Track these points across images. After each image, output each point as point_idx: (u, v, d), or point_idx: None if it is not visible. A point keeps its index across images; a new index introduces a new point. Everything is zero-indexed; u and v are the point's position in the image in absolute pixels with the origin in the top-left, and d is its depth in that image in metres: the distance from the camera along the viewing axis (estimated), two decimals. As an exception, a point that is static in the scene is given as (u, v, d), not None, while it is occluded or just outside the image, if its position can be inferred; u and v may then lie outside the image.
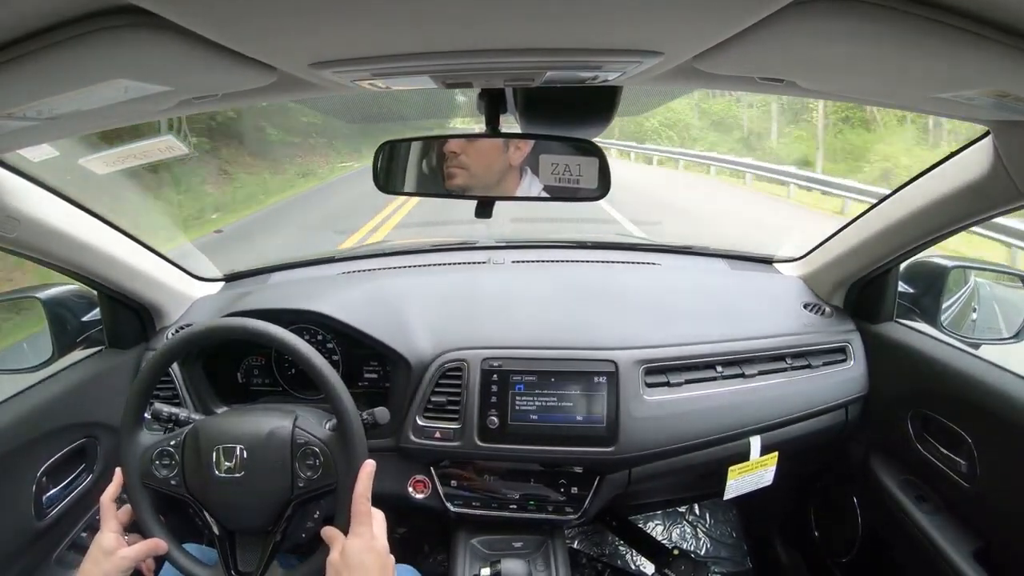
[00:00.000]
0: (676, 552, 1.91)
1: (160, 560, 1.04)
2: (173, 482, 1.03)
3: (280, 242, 7.09)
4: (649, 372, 1.30)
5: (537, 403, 1.26)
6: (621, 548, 2.05)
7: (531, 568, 1.24)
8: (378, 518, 0.97)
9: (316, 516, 1.11)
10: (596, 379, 1.26)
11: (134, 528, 1.03)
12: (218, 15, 0.44)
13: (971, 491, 1.18)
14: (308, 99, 0.87)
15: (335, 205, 9.81)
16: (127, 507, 1.03)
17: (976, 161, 1.00)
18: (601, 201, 0.95)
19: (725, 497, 1.41)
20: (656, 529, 2.12)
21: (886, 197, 1.29)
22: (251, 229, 7.99)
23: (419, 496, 1.34)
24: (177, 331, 1.46)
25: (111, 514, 1.00)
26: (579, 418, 1.26)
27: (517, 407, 1.27)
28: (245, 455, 1.00)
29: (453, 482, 1.34)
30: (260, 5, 0.43)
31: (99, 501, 1.01)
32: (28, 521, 1.17)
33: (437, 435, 1.28)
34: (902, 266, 1.37)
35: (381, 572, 0.92)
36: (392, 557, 0.95)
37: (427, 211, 6.93)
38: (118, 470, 1.04)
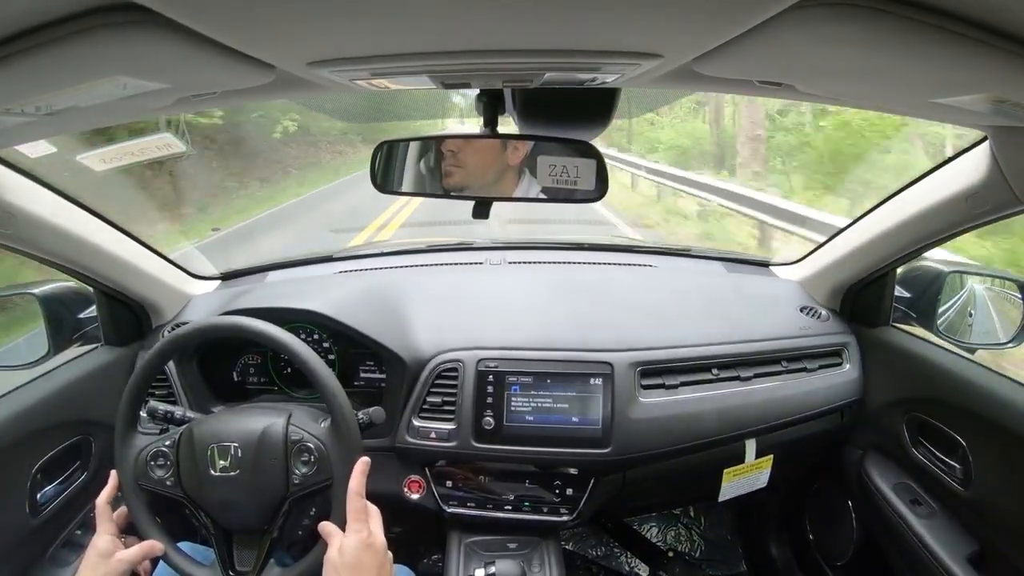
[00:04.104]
0: (671, 554, 1.92)
1: (155, 560, 1.04)
2: (169, 483, 1.03)
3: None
4: (645, 374, 1.30)
5: (533, 404, 1.26)
6: (616, 550, 2.05)
7: (525, 569, 1.24)
8: (375, 514, 0.97)
9: (312, 513, 1.11)
10: (592, 381, 1.26)
11: (130, 530, 1.03)
12: (217, 13, 0.44)
13: (966, 495, 1.18)
14: (306, 98, 0.87)
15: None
16: (123, 509, 1.03)
17: (974, 166, 1.00)
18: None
19: (719, 499, 1.41)
20: (651, 531, 2.12)
21: (883, 201, 1.30)
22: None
23: (414, 496, 1.34)
24: (173, 329, 1.46)
25: (107, 516, 1.00)
26: (575, 420, 1.26)
27: (513, 408, 1.27)
28: (240, 453, 1.00)
29: (448, 482, 1.34)
30: (259, 4, 0.43)
31: (94, 502, 1.01)
32: (22, 518, 1.17)
33: (432, 435, 1.28)
34: (899, 271, 1.38)
35: (379, 570, 0.91)
36: (390, 554, 0.95)
37: (426, 213, 6.92)
38: (113, 472, 1.04)
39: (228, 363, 1.45)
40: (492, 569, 1.22)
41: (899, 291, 1.41)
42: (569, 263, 1.77)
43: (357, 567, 0.90)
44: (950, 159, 1.08)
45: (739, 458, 1.37)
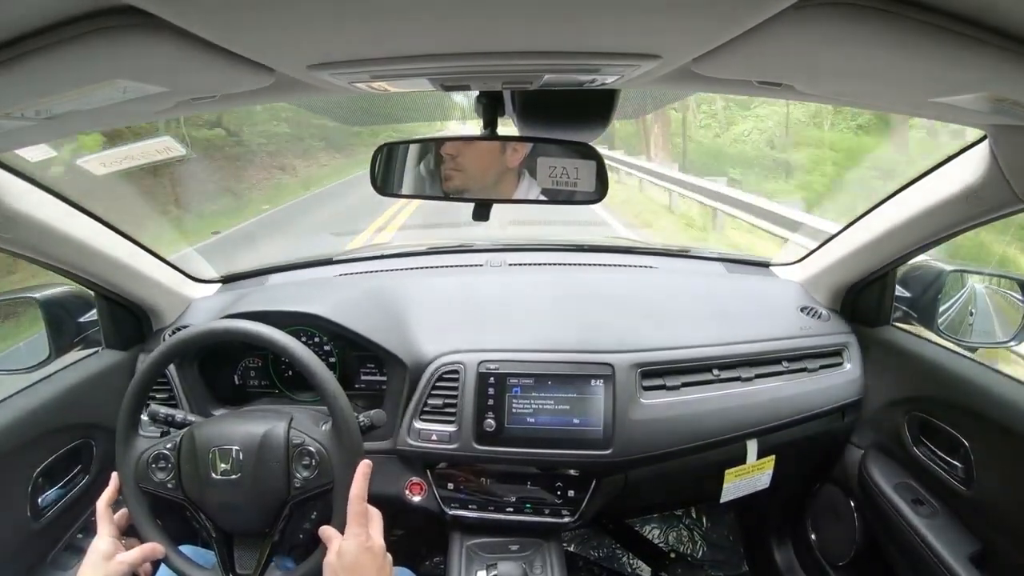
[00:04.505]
0: (673, 555, 1.92)
1: (156, 563, 1.04)
2: (170, 485, 1.03)
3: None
4: (646, 375, 1.30)
5: (534, 406, 1.26)
6: (618, 551, 2.05)
7: (527, 571, 1.24)
8: (375, 518, 0.97)
9: (313, 517, 1.11)
10: (593, 382, 1.26)
11: (131, 532, 1.03)
12: (216, 17, 0.45)
13: (967, 495, 1.18)
14: (305, 100, 0.88)
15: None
16: (124, 511, 1.03)
17: (973, 165, 1.00)
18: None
19: (721, 500, 1.41)
20: (653, 532, 2.12)
21: (883, 201, 1.29)
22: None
23: (415, 498, 1.34)
24: (173, 333, 1.46)
25: (108, 519, 1.00)
26: (576, 421, 1.26)
27: (514, 410, 1.26)
28: (241, 457, 1.00)
29: (450, 485, 1.34)
30: (258, 7, 0.43)
31: (95, 505, 1.01)
32: (24, 522, 1.17)
33: (434, 438, 1.28)
34: (899, 270, 1.38)
35: (378, 572, 0.92)
36: (389, 557, 0.95)
37: (426, 213, 6.89)
38: (114, 474, 1.04)
39: (229, 366, 1.45)
40: (494, 571, 1.22)
41: (899, 291, 1.41)
42: (569, 264, 1.77)
43: (356, 570, 0.90)
44: (950, 158, 1.08)
45: (741, 459, 1.37)
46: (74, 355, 1.36)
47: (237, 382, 1.47)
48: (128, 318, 1.44)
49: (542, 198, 0.91)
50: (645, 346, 1.33)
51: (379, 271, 1.74)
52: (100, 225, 1.25)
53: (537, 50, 0.56)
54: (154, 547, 1.00)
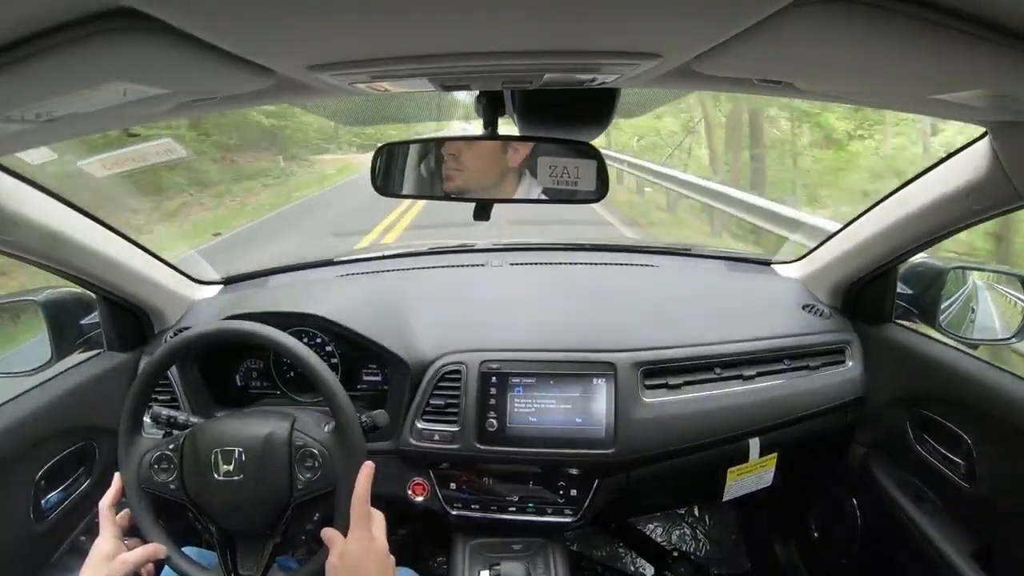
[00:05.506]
0: (676, 554, 1.92)
1: (159, 564, 1.04)
2: (172, 486, 1.03)
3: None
4: (648, 374, 1.30)
5: (536, 405, 1.26)
6: (621, 550, 2.05)
7: (531, 570, 1.24)
8: (377, 519, 0.97)
9: (315, 518, 1.11)
10: (595, 381, 1.26)
11: (133, 533, 1.03)
12: (216, 18, 0.45)
13: (970, 491, 1.18)
14: (305, 101, 0.88)
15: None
16: (126, 512, 1.03)
17: (974, 162, 1.00)
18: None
19: (724, 499, 1.40)
20: (656, 531, 2.12)
21: (884, 198, 1.29)
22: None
23: (418, 499, 1.34)
24: (175, 334, 1.46)
25: (110, 519, 1.00)
26: (578, 420, 1.26)
27: (516, 409, 1.26)
28: (244, 458, 1.00)
29: (452, 484, 1.34)
30: (258, 8, 0.43)
31: (98, 506, 1.01)
32: (27, 524, 1.17)
33: (436, 438, 1.28)
34: (900, 267, 1.38)
35: (381, 574, 0.92)
36: (392, 558, 0.95)
37: (426, 214, 6.89)
38: (117, 475, 1.04)
39: (231, 367, 1.45)
40: (497, 571, 1.22)
41: (901, 288, 1.41)
42: (570, 264, 1.77)
43: (358, 571, 0.90)
44: (951, 155, 1.08)
45: (743, 457, 1.36)
46: (76, 357, 1.36)
47: (239, 383, 1.47)
48: (130, 320, 1.44)
49: (543, 197, 0.91)
50: (647, 345, 1.33)
51: (380, 271, 1.74)
52: (101, 227, 1.25)
53: (537, 49, 0.56)
54: (156, 548, 1.00)
